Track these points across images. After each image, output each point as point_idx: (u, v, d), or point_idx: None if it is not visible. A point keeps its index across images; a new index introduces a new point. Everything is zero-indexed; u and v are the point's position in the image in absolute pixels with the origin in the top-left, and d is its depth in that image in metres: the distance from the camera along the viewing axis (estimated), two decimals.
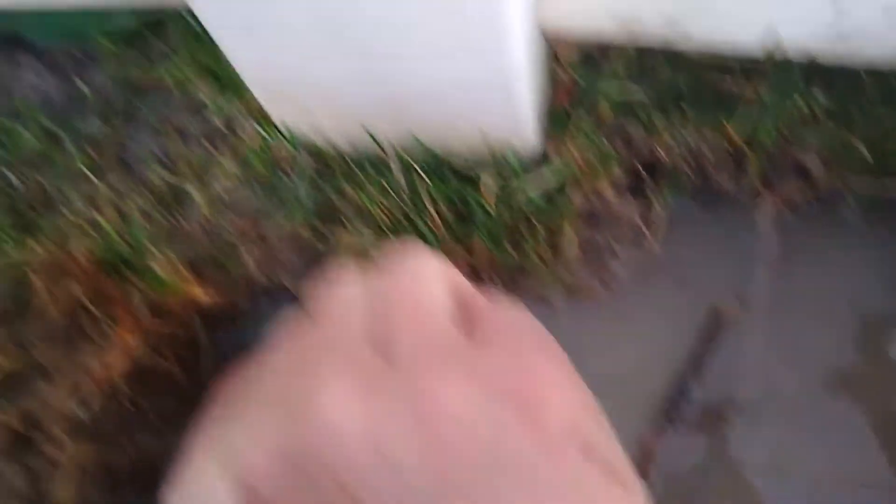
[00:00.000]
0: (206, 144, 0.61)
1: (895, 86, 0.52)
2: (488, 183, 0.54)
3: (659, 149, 0.55)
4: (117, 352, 0.50)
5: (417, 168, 0.55)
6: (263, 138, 0.59)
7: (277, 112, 0.56)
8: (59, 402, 0.49)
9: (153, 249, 0.55)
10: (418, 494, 0.21)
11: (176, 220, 0.59)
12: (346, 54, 0.46)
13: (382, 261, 0.30)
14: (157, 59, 0.64)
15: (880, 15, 0.44)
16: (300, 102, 0.54)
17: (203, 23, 0.47)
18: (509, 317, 0.28)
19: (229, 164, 0.59)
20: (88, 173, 0.61)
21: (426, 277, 0.28)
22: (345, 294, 0.28)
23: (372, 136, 0.55)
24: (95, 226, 0.58)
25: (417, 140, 0.55)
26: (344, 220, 0.57)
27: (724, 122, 0.54)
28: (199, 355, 0.56)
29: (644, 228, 0.58)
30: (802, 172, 0.56)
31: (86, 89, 0.65)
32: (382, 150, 0.56)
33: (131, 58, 0.65)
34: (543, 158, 0.56)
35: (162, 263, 0.54)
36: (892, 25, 0.45)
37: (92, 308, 0.52)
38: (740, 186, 0.58)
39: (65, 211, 0.59)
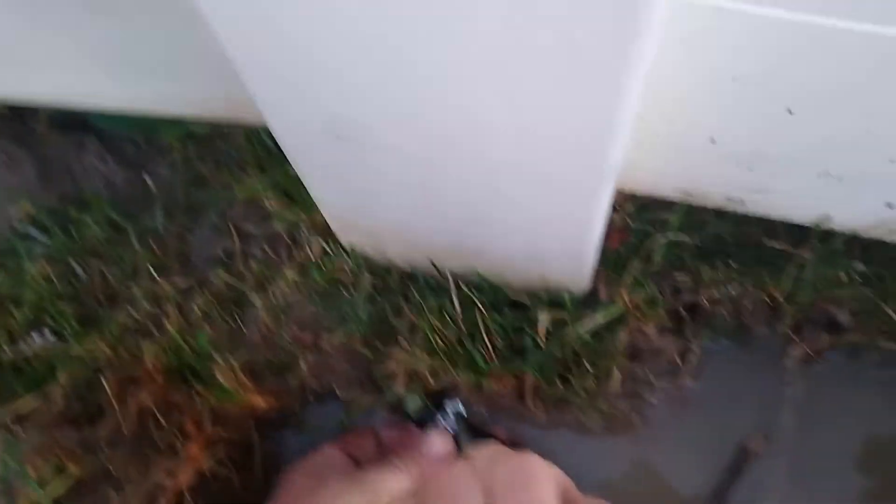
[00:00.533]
0: (269, 251, 0.64)
1: None
2: (542, 318, 0.57)
3: (702, 296, 0.59)
4: (186, 464, 0.53)
5: (475, 298, 0.58)
6: (326, 252, 0.62)
7: (344, 233, 0.59)
8: None
9: (216, 356, 0.58)
10: None
11: (236, 324, 0.61)
12: (431, 207, 0.49)
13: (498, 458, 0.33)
14: (225, 163, 0.66)
15: None
16: (370, 230, 0.57)
17: (291, 161, 0.49)
18: None
19: (290, 274, 0.62)
20: (152, 270, 0.63)
21: (540, 476, 0.32)
22: (460, 472, 0.32)
23: (435, 265, 0.58)
24: (159, 327, 0.61)
25: (477, 273, 0.58)
26: (399, 339, 0.60)
27: (766, 278, 0.58)
28: (252, 459, 0.59)
29: (681, 364, 0.61)
30: (833, 326, 0.60)
31: (151, 182, 0.67)
32: (443, 276, 0.59)
33: (199, 155, 0.67)
34: (593, 296, 0.59)
35: (224, 371, 0.57)
36: None
37: (161, 419, 0.54)
38: (773, 333, 0.61)
39: (129, 308, 0.61)
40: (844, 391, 0.61)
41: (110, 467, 0.53)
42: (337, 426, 0.61)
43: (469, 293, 0.59)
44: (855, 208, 0.50)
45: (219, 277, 0.63)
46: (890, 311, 0.57)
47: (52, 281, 0.63)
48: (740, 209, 0.54)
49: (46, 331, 0.61)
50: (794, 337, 0.60)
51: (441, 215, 0.50)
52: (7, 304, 0.61)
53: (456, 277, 0.59)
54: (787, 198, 0.51)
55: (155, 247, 0.65)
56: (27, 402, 0.55)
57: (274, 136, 0.46)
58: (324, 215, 0.58)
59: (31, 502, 0.50)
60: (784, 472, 0.60)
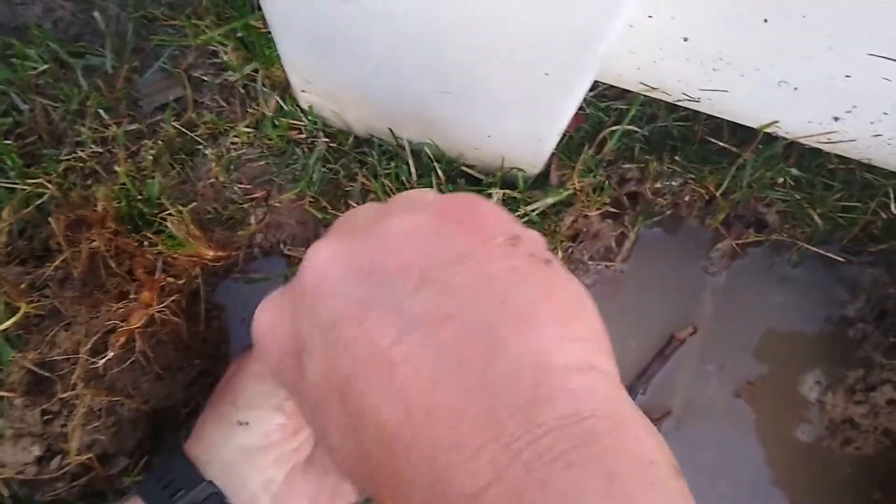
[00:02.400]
0: (221, 101, 0.63)
1: (858, 174, 0.60)
2: (494, 194, 0.59)
3: (646, 187, 0.62)
4: (137, 308, 0.54)
5: (435, 166, 0.59)
6: (282, 109, 0.61)
7: (304, 92, 0.59)
8: (75, 350, 0.52)
9: (167, 205, 0.58)
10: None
11: (185, 174, 0.61)
12: (407, 74, 0.49)
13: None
14: (179, 5, 0.64)
15: (869, 127, 0.51)
16: (333, 92, 0.57)
17: (266, 8, 0.47)
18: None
19: (243, 128, 0.62)
20: (101, 112, 0.61)
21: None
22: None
23: (394, 133, 0.59)
24: (108, 170, 0.60)
25: (435, 144, 0.59)
26: (349, 201, 0.61)
27: (706, 174, 0.61)
28: (197, 307, 0.60)
29: (616, 249, 0.64)
30: (760, 224, 0.64)
31: (101, 19, 0.65)
32: (399, 145, 0.60)
33: None
34: (545, 178, 0.61)
35: (175, 220, 0.57)
36: (876, 134, 0.52)
37: (112, 264, 0.54)
38: (704, 226, 0.65)
39: (76, 149, 0.60)
40: (759, 285, 0.66)
41: (60, 307, 0.53)
42: (280, 279, 0.63)
43: (427, 161, 0.60)
44: (804, 117, 0.53)
45: (169, 124, 0.62)
46: (814, 215, 0.61)
47: None
48: (693, 107, 0.57)
49: None
50: (724, 231, 0.64)
51: (413, 83, 0.50)
52: None
53: (413, 146, 0.60)
54: (742, 101, 0.53)
55: (103, 87, 0.63)
56: None
57: None
58: (286, 71, 0.57)
59: None
60: (695, 353, 0.65)
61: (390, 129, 0.59)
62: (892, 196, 0.60)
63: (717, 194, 0.62)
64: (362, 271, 0.31)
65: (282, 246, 0.63)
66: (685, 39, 0.47)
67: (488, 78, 0.46)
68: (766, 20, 0.44)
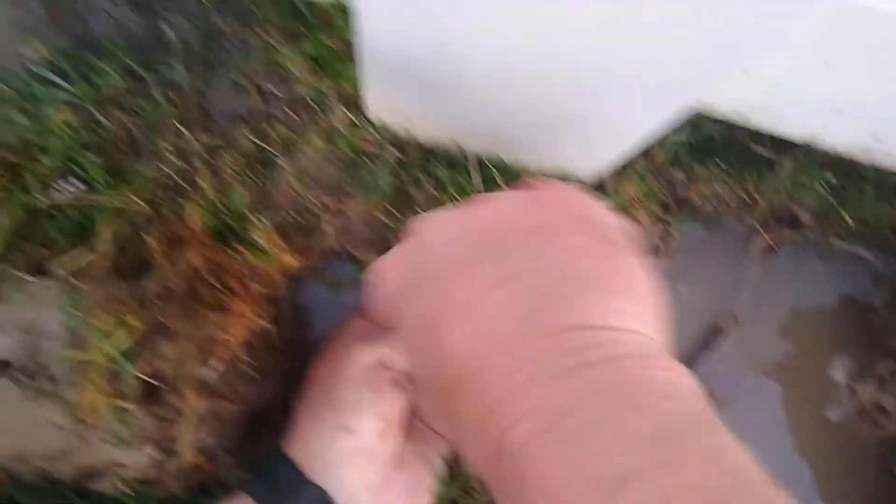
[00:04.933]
0: (291, 114, 0.66)
1: (890, 181, 0.65)
2: None
3: (692, 192, 0.67)
4: (236, 321, 0.58)
5: (496, 177, 0.64)
6: (352, 123, 0.65)
7: (375, 103, 0.62)
8: (181, 360, 0.57)
9: (251, 216, 0.62)
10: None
11: (263, 185, 0.65)
12: (500, 108, 0.53)
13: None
14: (246, 20, 0.67)
15: None
16: (410, 113, 0.60)
17: (361, 20, 0.50)
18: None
19: (316, 140, 0.65)
20: (179, 126, 0.65)
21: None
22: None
23: (460, 145, 0.63)
24: (191, 184, 0.63)
25: (500, 157, 0.63)
26: (417, 209, 0.66)
27: (747, 179, 0.66)
28: (283, 314, 0.64)
29: (661, 246, 0.70)
30: (794, 223, 0.70)
31: (170, 31, 0.67)
32: (465, 157, 0.64)
33: (217, 7, 0.67)
34: (600, 187, 0.66)
35: (259, 231, 0.61)
36: None
37: (210, 279, 0.58)
38: (743, 224, 0.70)
39: (158, 163, 0.63)
40: (791, 278, 0.72)
41: (164, 321, 0.57)
42: (352, 283, 0.67)
43: (491, 171, 0.64)
44: (846, 135, 0.57)
45: (245, 136, 0.65)
46: (846, 216, 0.66)
47: (76, 129, 0.63)
48: (742, 122, 0.61)
49: (74, 180, 0.62)
50: (761, 230, 0.70)
51: (502, 115, 0.54)
52: (34, 150, 0.62)
53: (476, 156, 0.64)
54: (791, 119, 0.58)
55: (176, 100, 0.66)
56: (80, 255, 0.58)
57: None
58: (363, 92, 0.61)
59: (102, 354, 0.54)
60: (731, 340, 0.71)
61: (456, 142, 0.63)
62: None
63: (757, 197, 0.67)
64: (465, 237, 0.38)
65: (352, 250, 0.67)
66: (744, 72, 0.52)
67: (588, 110, 0.50)
68: (826, 63, 0.48)
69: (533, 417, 0.30)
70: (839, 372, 0.69)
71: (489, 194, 0.42)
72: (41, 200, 0.60)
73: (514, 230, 0.38)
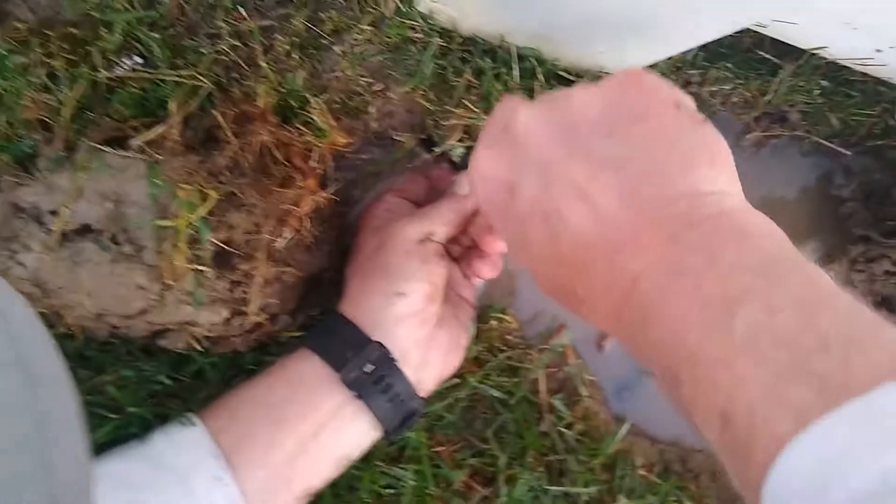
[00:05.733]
0: (341, 0, 0.70)
1: (873, 89, 0.74)
2: None
3: (704, 90, 0.74)
4: (305, 194, 0.63)
5: (535, 71, 0.69)
6: (400, 9, 0.69)
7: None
8: (253, 230, 0.62)
9: (308, 97, 0.66)
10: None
11: (314, 68, 0.69)
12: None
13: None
14: None
15: None
16: (463, 2, 0.65)
17: None
18: None
19: (366, 26, 0.69)
20: (235, 6, 0.67)
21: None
22: None
23: (503, 37, 0.68)
24: (249, 64, 0.67)
25: (540, 51, 0.68)
26: (456, 97, 0.71)
27: (750, 80, 0.74)
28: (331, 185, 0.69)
29: None
30: (784, 121, 0.78)
31: None
32: (507, 50, 0.69)
33: None
34: None
35: (318, 111, 0.66)
36: None
37: (277, 154, 0.63)
38: (738, 119, 0.79)
39: (217, 41, 0.66)
40: (775, 169, 0.81)
41: (238, 194, 0.62)
42: (389, 163, 0.73)
43: (530, 63, 0.69)
44: (851, 47, 0.65)
45: (297, 19, 0.68)
46: (832, 117, 0.75)
47: (135, 7, 0.65)
48: (758, 30, 0.68)
49: (137, 57, 0.65)
50: (754, 125, 0.78)
51: (564, 9, 0.59)
52: (98, 26, 0.64)
53: (518, 49, 0.69)
54: (805, 31, 0.65)
55: None
56: (155, 128, 0.61)
57: None
58: None
59: (185, 221, 0.59)
60: None
61: (501, 36, 0.68)
62: None
63: (759, 95, 0.75)
64: (561, 128, 0.43)
65: (391, 132, 0.72)
66: None
67: (642, 14, 0.56)
68: None
69: (655, 267, 0.38)
70: (811, 255, 0.80)
71: (573, 87, 0.47)
72: (106, 75, 0.63)
73: (611, 117, 0.42)
